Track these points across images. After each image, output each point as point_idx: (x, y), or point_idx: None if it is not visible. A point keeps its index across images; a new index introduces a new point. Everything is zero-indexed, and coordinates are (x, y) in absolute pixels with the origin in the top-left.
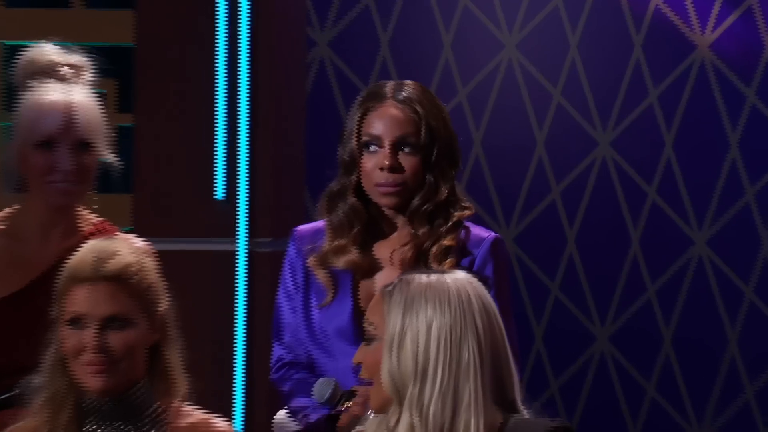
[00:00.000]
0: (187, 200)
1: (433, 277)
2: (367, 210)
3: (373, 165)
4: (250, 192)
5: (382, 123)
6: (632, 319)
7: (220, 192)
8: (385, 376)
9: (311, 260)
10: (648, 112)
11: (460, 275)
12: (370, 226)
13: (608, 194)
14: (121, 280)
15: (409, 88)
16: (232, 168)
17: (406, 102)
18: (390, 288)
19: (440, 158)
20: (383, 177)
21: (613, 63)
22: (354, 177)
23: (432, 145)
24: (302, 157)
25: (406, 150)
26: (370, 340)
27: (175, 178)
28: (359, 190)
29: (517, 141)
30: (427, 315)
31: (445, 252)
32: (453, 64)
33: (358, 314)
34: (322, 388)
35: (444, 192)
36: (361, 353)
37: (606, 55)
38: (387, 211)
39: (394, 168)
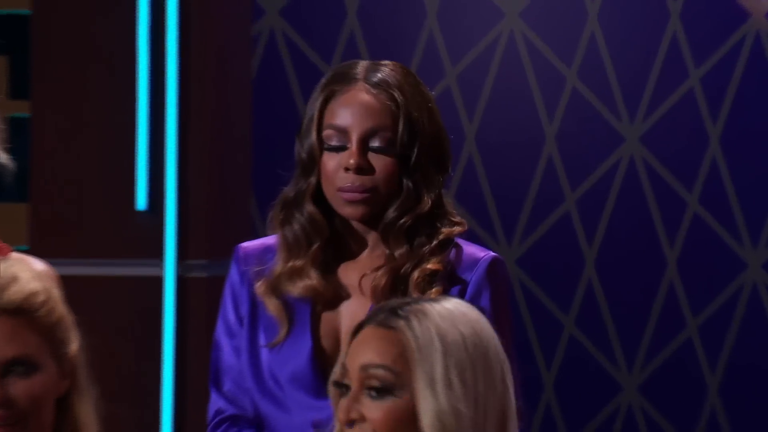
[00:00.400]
0: (100, 211)
1: (448, 304)
2: (331, 223)
3: (336, 165)
4: (180, 201)
5: (350, 111)
6: (668, 363)
7: (142, 201)
8: (434, 425)
9: (259, 286)
10: (688, 99)
11: (457, 301)
12: (334, 243)
13: (637, 203)
14: (24, 314)
15: (387, 70)
16: (157, 171)
17: (382, 86)
18: (396, 321)
19: (423, 160)
20: (348, 180)
21: (644, 36)
22: (313, 179)
23: (412, 142)
24: (247, 155)
25: (379, 147)
26: (384, 390)
27: (83, 184)
28: (319, 197)
29: (521, 136)
30: (469, 350)
31: (430, 278)
32: (439, 37)
33: (319, 355)
34: None
35: (427, 202)
36: (362, 408)
37: (634, 27)
38: (355, 225)
39: (362, 169)
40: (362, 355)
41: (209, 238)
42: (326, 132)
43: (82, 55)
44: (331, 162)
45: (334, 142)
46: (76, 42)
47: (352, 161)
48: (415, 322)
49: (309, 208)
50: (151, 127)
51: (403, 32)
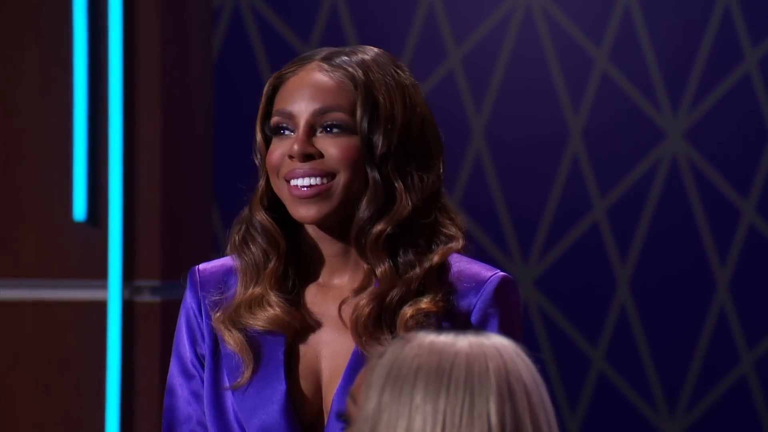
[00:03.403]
0: (29, 222)
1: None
2: (294, 235)
3: (281, 152)
4: (126, 209)
5: (298, 94)
6: (718, 406)
7: (80, 210)
8: None
9: (217, 318)
10: (742, 86)
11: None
12: (300, 261)
13: (681, 212)
14: None
15: (353, 51)
16: (98, 173)
17: (339, 64)
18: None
19: (394, 152)
20: (294, 166)
21: (689, 10)
22: (261, 181)
23: (374, 127)
24: (208, 154)
25: (329, 126)
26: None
27: (7, 189)
28: (275, 202)
29: (540, 130)
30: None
31: (424, 320)
32: (441, 11)
33: (294, 402)
34: None
35: (406, 205)
36: None
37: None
38: (323, 236)
39: (309, 156)
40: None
41: (162, 255)
42: (273, 119)
43: (6, 34)
44: (276, 151)
45: (280, 129)
46: None
47: (295, 147)
48: (383, 355)
49: (259, 215)
50: (90, 120)
51: (397, 5)
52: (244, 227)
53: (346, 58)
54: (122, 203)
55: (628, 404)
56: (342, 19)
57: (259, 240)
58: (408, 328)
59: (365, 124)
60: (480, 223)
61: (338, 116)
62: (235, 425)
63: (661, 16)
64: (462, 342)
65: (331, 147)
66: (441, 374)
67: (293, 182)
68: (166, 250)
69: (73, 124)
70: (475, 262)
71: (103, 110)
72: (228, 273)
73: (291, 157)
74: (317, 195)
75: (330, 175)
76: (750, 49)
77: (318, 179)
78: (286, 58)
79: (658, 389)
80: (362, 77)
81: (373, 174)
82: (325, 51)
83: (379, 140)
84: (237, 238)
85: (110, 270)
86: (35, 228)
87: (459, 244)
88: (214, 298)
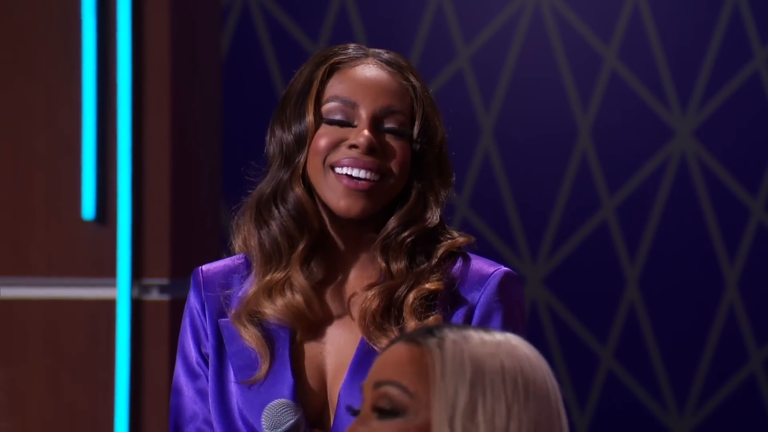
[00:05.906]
0: (39, 221)
1: (499, 335)
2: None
3: (335, 138)
4: (135, 208)
5: (361, 86)
6: (727, 404)
7: (89, 208)
8: None
9: (233, 314)
10: (751, 85)
11: (511, 335)
12: (319, 251)
13: (690, 211)
14: None
15: (393, 53)
16: (107, 172)
17: (395, 65)
18: (428, 340)
19: (432, 166)
20: (351, 155)
21: (699, 8)
22: (302, 159)
23: (426, 140)
24: (216, 152)
25: (393, 128)
26: (393, 411)
27: (16, 187)
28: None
29: (548, 129)
30: (507, 385)
31: (428, 302)
32: (450, 10)
33: (301, 397)
34: (278, 415)
35: (434, 217)
36: (365, 429)
37: None
38: (343, 229)
39: (373, 150)
40: (378, 371)
41: (171, 253)
42: (328, 105)
43: (15, 29)
44: (327, 136)
45: (337, 116)
46: (8, 14)
47: (362, 139)
48: (448, 343)
49: (297, 191)
50: (99, 119)
51: (406, 3)
52: (263, 210)
53: (396, 59)
54: (131, 201)
55: (637, 402)
56: (351, 17)
57: (287, 222)
58: (414, 310)
59: (420, 135)
60: (489, 221)
61: (402, 119)
62: (240, 423)
63: (670, 14)
64: (522, 346)
65: (393, 148)
66: (527, 380)
67: (346, 171)
68: (175, 249)
69: (81, 122)
70: (479, 258)
71: (111, 109)
72: (231, 273)
73: (353, 146)
74: (369, 190)
75: (386, 174)
76: (759, 47)
77: (375, 175)
78: (295, 57)
79: (667, 387)
80: (419, 87)
81: (419, 186)
82: (365, 47)
83: (425, 152)
84: (253, 218)
85: (119, 268)
86: (44, 226)
87: (470, 239)
88: (225, 292)
